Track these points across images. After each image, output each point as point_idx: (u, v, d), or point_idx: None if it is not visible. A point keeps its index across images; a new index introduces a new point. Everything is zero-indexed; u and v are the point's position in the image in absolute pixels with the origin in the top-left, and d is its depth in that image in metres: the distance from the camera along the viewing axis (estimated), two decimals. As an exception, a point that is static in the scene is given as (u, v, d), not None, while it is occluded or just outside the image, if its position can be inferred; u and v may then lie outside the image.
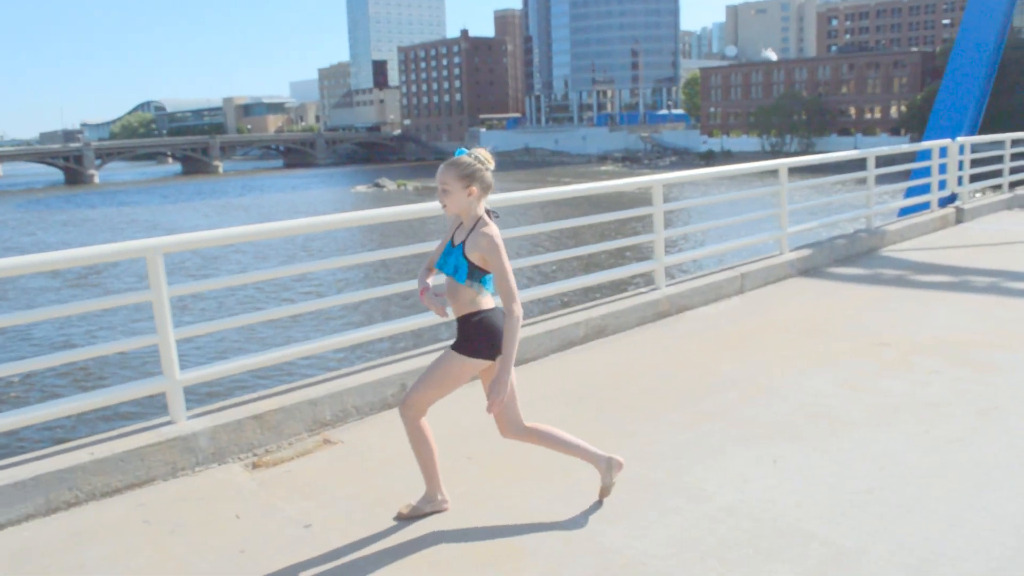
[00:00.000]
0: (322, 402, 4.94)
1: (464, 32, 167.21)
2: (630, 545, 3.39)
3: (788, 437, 4.42)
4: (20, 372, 4.26)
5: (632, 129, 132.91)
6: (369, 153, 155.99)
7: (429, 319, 5.78)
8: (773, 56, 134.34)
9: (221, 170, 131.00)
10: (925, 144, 11.21)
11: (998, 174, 12.86)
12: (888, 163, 11.34)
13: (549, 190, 6.36)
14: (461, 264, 3.42)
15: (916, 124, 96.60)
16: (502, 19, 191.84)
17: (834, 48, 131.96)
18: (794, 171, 8.85)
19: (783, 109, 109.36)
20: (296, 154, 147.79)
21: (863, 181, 9.81)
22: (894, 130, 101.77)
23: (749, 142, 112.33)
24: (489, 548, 3.45)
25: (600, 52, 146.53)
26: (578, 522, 3.62)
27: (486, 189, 3.45)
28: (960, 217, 11.46)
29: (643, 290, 7.29)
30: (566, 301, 15.78)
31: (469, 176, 3.39)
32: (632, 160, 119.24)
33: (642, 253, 27.17)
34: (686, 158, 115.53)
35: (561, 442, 3.69)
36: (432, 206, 5.55)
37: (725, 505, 3.70)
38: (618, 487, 3.69)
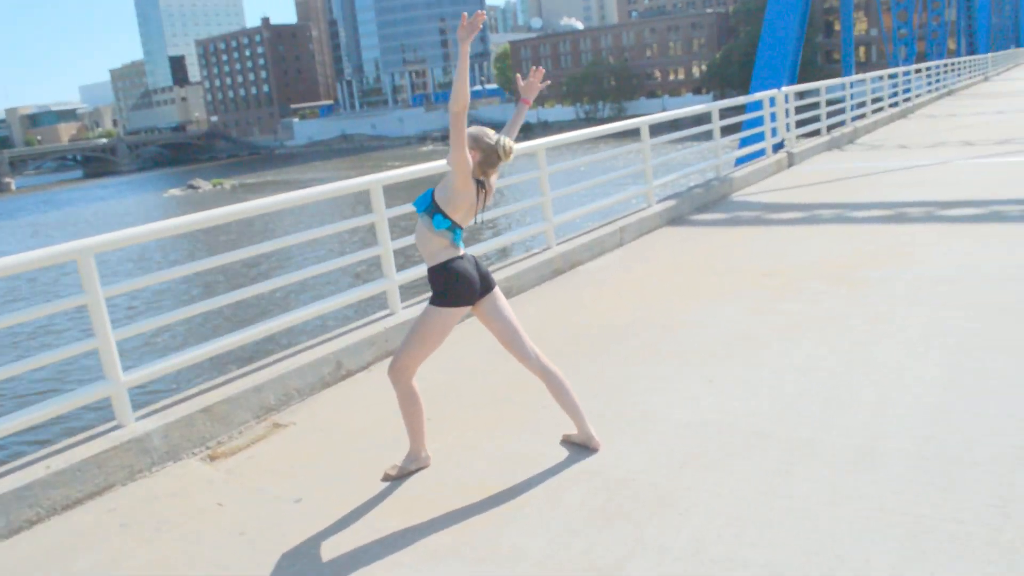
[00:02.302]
0: (266, 387, 4.95)
1: (265, 20, 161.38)
2: (617, 466, 3.71)
3: (718, 359, 4.88)
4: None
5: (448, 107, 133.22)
6: (176, 154, 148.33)
7: (358, 295, 5.87)
8: (578, 24, 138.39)
9: (13, 187, 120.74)
10: (756, 95, 12.18)
11: (816, 120, 14.13)
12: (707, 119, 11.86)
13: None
14: (427, 199, 3.63)
15: (716, 82, 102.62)
16: (304, 4, 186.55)
17: (635, 13, 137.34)
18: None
19: (593, 77, 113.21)
20: (96, 162, 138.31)
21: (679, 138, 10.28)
22: (696, 90, 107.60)
23: (564, 112, 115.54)
24: (486, 490, 3.65)
25: (408, 32, 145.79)
26: (559, 456, 3.89)
27: (485, 162, 3.62)
28: (791, 161, 12.55)
29: (536, 251, 7.61)
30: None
31: (474, 143, 3.60)
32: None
33: (504, 222, 27.62)
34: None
35: (566, 395, 3.85)
36: (359, 180, 5.65)
37: (685, 422, 4.08)
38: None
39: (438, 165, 6.34)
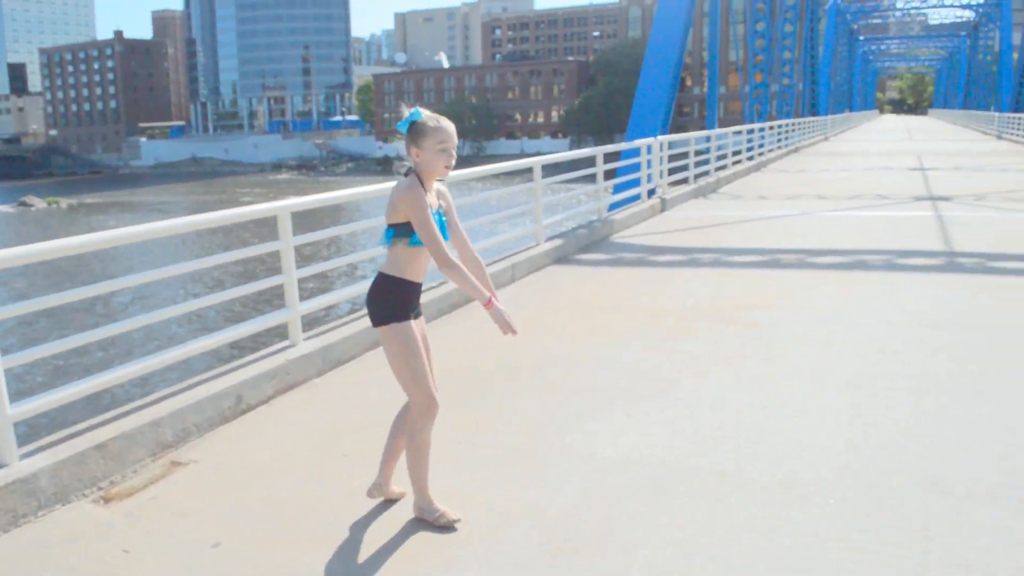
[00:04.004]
0: (164, 423, 4.64)
1: (118, 33, 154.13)
2: (551, 503, 3.69)
3: (630, 397, 4.97)
4: None
5: (307, 136, 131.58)
6: (7, 168, 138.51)
7: (261, 325, 5.62)
8: (445, 62, 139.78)
9: None
10: (636, 142, 12.66)
11: (684, 168, 14.84)
12: (583, 165, 11.62)
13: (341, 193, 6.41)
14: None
15: (573, 128, 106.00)
16: (161, 20, 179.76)
17: (499, 56, 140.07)
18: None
19: (455, 115, 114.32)
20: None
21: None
22: (553, 134, 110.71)
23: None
24: (425, 527, 3.55)
25: (270, 57, 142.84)
26: (489, 491, 3.84)
27: (429, 146, 3.29)
28: (664, 206, 13.08)
29: (433, 284, 7.56)
30: (355, 308, 15.74)
31: (410, 136, 3.32)
32: (308, 168, 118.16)
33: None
34: (363, 164, 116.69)
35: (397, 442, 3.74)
36: (267, 206, 5.44)
37: (611, 458, 4.13)
38: (508, 455, 3.96)
39: (346, 194, 6.25)
